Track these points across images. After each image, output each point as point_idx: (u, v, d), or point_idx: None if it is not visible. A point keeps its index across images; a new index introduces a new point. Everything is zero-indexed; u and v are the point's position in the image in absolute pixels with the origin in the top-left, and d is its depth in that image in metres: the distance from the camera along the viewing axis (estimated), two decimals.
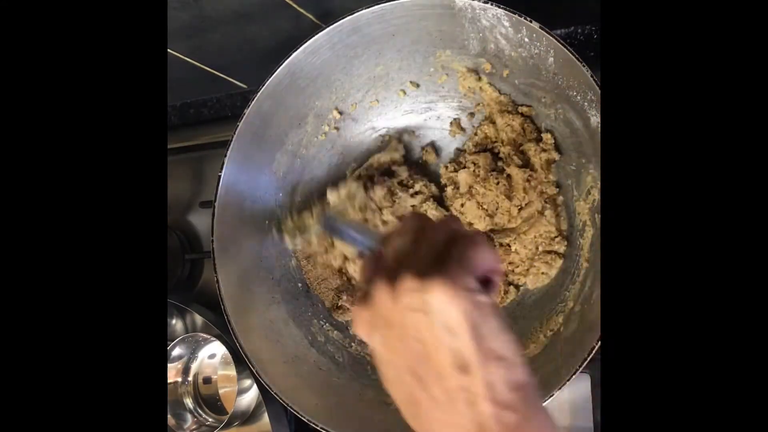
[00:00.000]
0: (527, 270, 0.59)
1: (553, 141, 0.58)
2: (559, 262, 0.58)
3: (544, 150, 0.58)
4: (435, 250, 0.31)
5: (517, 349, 0.29)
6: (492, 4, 0.50)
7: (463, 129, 0.64)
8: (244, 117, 0.57)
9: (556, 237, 0.58)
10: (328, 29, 0.55)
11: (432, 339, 0.29)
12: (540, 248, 0.59)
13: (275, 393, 0.53)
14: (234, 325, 0.55)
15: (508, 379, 0.28)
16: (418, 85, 0.63)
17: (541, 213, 0.59)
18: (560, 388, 0.46)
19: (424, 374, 0.30)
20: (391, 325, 0.31)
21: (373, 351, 0.33)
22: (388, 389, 0.33)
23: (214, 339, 0.65)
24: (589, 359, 0.45)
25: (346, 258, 0.62)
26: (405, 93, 0.64)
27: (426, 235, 0.32)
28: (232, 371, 0.66)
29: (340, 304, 0.65)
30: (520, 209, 0.59)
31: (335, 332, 0.64)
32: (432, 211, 0.61)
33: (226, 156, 0.57)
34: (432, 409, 0.30)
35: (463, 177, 0.60)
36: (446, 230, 0.32)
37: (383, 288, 0.30)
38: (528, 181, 0.58)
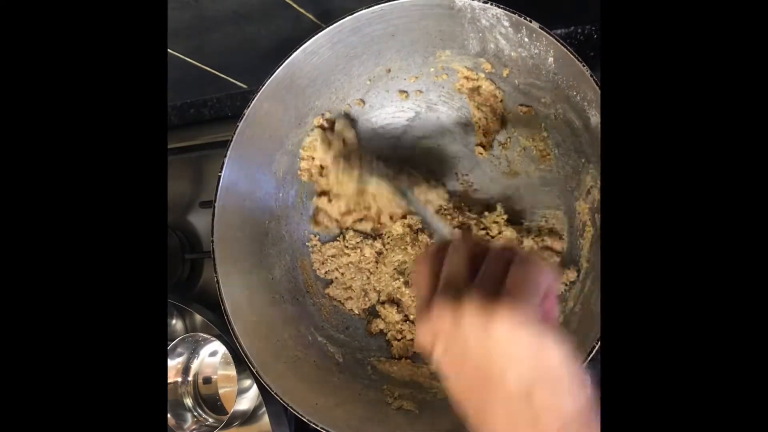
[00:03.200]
0: None
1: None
2: (556, 258, 0.58)
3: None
4: (498, 273, 0.32)
5: (578, 370, 0.30)
6: (492, 4, 0.50)
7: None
8: (244, 117, 0.57)
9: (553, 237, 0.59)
10: (328, 29, 0.55)
11: (495, 362, 0.30)
12: (536, 246, 0.59)
13: (275, 393, 0.53)
14: (234, 325, 0.55)
15: (572, 405, 0.29)
16: (418, 86, 0.63)
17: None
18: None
19: (486, 393, 0.31)
20: (455, 341, 0.31)
21: (433, 364, 0.34)
22: (453, 398, 0.34)
23: (214, 339, 0.65)
24: (589, 359, 0.45)
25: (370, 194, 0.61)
26: (405, 93, 0.64)
27: (489, 256, 0.33)
28: (232, 371, 0.66)
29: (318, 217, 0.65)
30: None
31: (336, 333, 0.64)
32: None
33: (226, 156, 0.57)
34: (495, 427, 0.31)
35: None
36: (507, 252, 0.33)
37: (446, 305, 0.31)
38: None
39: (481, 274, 0.32)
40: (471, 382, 0.32)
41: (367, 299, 0.65)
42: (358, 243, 0.65)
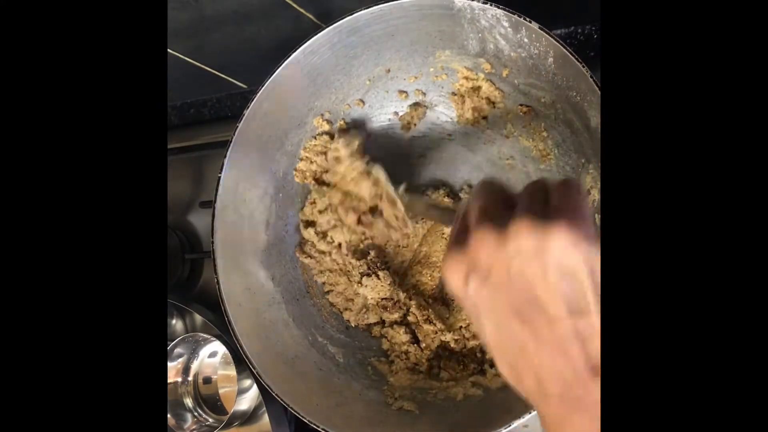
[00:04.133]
0: None
1: None
2: None
3: None
4: (541, 197, 0.31)
5: None
6: (491, 5, 0.50)
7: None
8: (244, 117, 0.57)
9: None
10: (327, 29, 0.55)
11: (544, 284, 0.29)
12: None
13: (275, 393, 0.53)
14: (234, 325, 0.55)
15: None
16: (418, 86, 0.63)
17: None
18: None
19: (532, 318, 0.29)
20: (494, 271, 0.30)
21: (466, 301, 0.32)
22: (484, 340, 0.32)
23: (214, 339, 0.65)
24: None
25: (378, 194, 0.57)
26: (405, 93, 0.64)
27: (524, 188, 0.32)
28: (232, 371, 0.66)
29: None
30: None
31: (336, 333, 0.64)
32: None
33: (226, 156, 0.57)
34: (539, 353, 0.30)
35: None
36: (540, 183, 0.32)
37: (490, 232, 0.30)
38: None
39: (523, 201, 0.31)
40: (512, 307, 0.30)
41: (365, 317, 0.64)
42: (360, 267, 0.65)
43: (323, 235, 0.64)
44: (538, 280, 0.29)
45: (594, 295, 0.28)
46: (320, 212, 0.64)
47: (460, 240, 0.32)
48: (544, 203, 0.30)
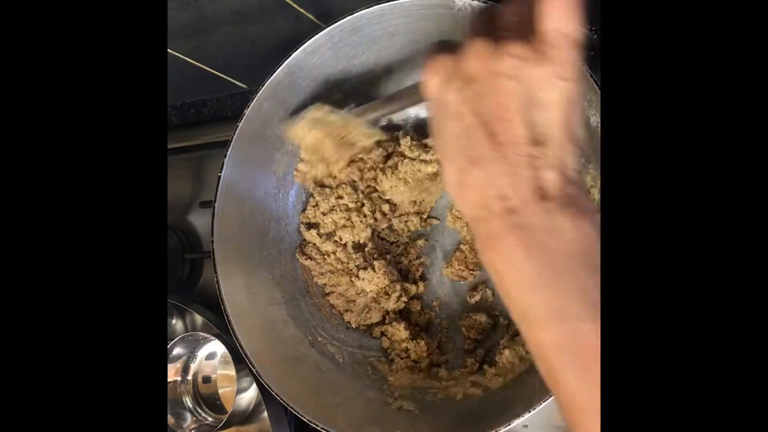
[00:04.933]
0: None
1: None
2: None
3: None
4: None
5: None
6: (491, 5, 0.50)
7: None
8: (244, 117, 0.57)
9: None
10: (328, 29, 0.55)
11: (518, 107, 0.30)
12: None
13: (275, 393, 0.53)
14: (234, 325, 0.55)
15: (577, 163, 0.30)
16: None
17: None
18: None
19: (495, 133, 0.30)
20: (475, 81, 0.31)
21: (438, 102, 0.33)
22: (439, 143, 0.33)
23: (214, 338, 0.65)
24: None
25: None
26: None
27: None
28: (231, 371, 0.66)
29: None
30: None
31: (336, 332, 0.64)
32: None
33: (226, 156, 0.57)
34: (491, 169, 0.30)
35: None
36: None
37: (485, 44, 0.31)
38: None
39: (525, 27, 0.31)
40: (480, 118, 0.31)
41: (368, 316, 0.64)
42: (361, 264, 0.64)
43: (327, 236, 0.64)
44: (513, 103, 0.30)
45: (561, 130, 0.29)
46: (323, 214, 0.64)
47: (448, 49, 0.32)
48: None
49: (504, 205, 0.30)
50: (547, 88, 0.29)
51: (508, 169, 0.30)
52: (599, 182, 0.53)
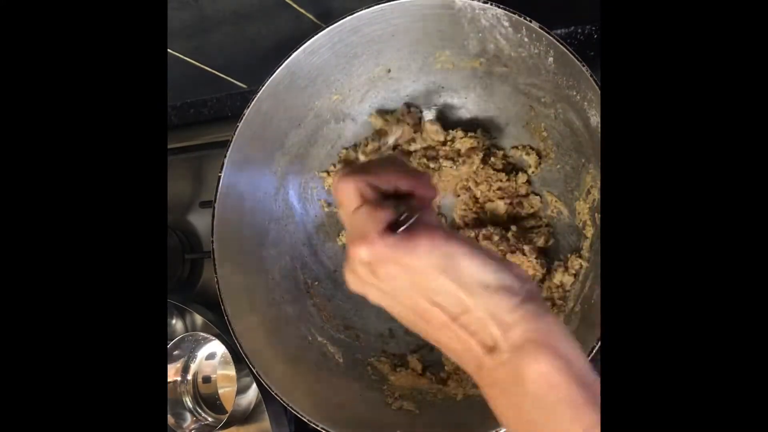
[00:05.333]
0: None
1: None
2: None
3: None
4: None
5: (505, 268, 0.30)
6: (491, 4, 0.50)
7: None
8: (244, 117, 0.57)
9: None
10: (328, 29, 0.55)
11: (423, 301, 0.31)
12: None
13: (275, 393, 0.53)
14: (234, 325, 0.55)
15: (507, 303, 0.30)
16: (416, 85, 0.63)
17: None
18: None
19: (428, 321, 0.32)
20: (378, 278, 0.32)
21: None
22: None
23: (214, 338, 0.65)
24: (589, 359, 0.45)
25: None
26: (404, 93, 0.64)
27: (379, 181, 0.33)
28: (231, 371, 0.66)
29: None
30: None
31: (336, 333, 0.64)
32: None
33: (226, 156, 0.57)
34: (447, 347, 0.32)
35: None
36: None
37: (354, 252, 0.31)
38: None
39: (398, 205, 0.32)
40: (411, 314, 0.32)
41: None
42: None
43: None
44: (417, 297, 0.31)
45: (464, 291, 0.30)
46: None
47: (358, 224, 0.32)
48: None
49: (474, 370, 0.32)
50: (427, 279, 0.30)
51: (457, 346, 0.32)
52: (599, 182, 0.53)
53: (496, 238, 0.59)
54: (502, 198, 0.61)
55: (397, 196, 0.33)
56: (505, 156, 0.62)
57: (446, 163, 0.62)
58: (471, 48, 0.57)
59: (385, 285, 0.32)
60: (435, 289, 0.30)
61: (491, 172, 0.61)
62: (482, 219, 0.62)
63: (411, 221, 0.31)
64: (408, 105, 0.64)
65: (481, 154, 0.61)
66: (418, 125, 0.64)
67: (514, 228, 0.59)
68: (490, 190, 0.61)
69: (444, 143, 0.63)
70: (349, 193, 0.32)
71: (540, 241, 0.59)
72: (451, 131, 0.63)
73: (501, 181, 0.61)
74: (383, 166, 0.33)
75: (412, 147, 0.64)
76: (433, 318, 0.31)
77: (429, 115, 0.65)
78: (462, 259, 0.30)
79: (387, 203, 0.32)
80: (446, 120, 0.64)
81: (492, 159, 0.62)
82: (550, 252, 0.60)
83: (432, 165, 0.63)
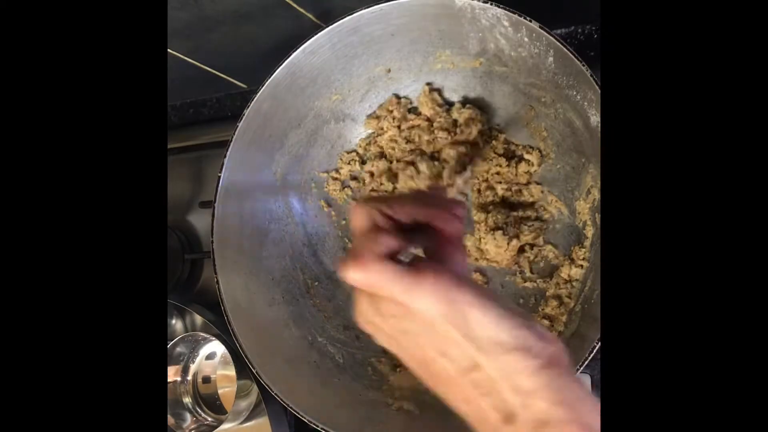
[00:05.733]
0: None
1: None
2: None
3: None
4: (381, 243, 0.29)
5: (523, 326, 0.27)
6: (491, 4, 0.50)
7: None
8: (244, 117, 0.57)
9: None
10: (328, 29, 0.55)
11: (432, 353, 0.29)
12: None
13: (275, 393, 0.53)
14: (234, 325, 0.55)
15: (524, 365, 0.27)
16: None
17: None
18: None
19: (437, 373, 0.30)
20: (382, 317, 0.30)
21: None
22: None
23: (214, 338, 0.65)
24: (589, 359, 0.45)
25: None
26: (404, 93, 0.64)
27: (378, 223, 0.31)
28: (231, 371, 0.66)
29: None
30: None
31: (336, 333, 0.64)
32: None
33: (226, 156, 0.57)
34: (456, 405, 0.30)
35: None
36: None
37: (359, 301, 0.30)
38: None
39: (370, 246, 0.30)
40: (416, 366, 0.31)
41: None
42: None
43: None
44: (423, 344, 0.29)
45: (474, 346, 0.27)
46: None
47: (356, 246, 0.31)
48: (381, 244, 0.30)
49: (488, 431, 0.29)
50: (439, 333, 0.28)
51: (467, 405, 0.29)
52: (599, 182, 0.53)
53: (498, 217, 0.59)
54: (500, 183, 0.61)
55: (419, 229, 0.31)
56: (506, 141, 0.62)
57: (441, 134, 0.61)
58: (471, 48, 0.57)
59: (389, 326, 0.30)
60: (442, 338, 0.28)
61: (492, 154, 0.61)
62: (483, 203, 0.62)
63: (413, 253, 0.28)
64: (398, 96, 0.64)
65: (479, 126, 0.60)
66: (406, 118, 0.64)
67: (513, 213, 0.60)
68: (490, 172, 0.61)
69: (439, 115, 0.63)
70: (360, 217, 0.30)
71: (529, 237, 0.59)
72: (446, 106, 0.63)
73: (501, 166, 0.61)
74: (402, 196, 0.32)
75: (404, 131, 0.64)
76: (440, 370, 0.29)
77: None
78: (472, 310, 0.27)
79: (398, 233, 0.30)
80: None
81: (493, 142, 0.62)
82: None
83: (427, 137, 0.62)
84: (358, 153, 0.66)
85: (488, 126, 0.62)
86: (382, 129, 0.64)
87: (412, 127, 0.63)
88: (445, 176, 0.55)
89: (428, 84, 0.63)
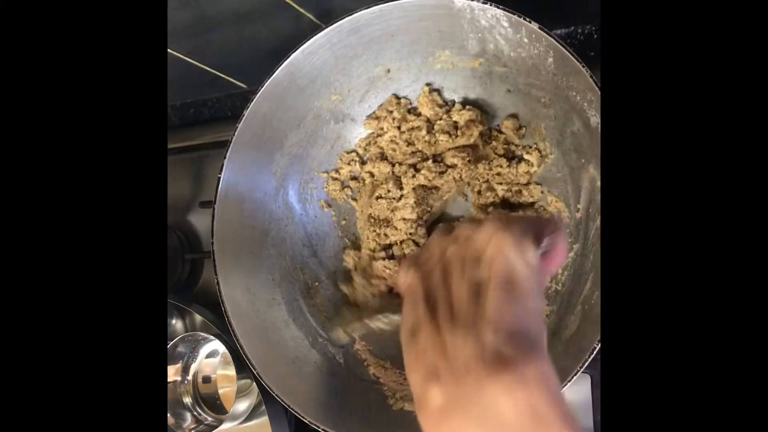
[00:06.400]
0: None
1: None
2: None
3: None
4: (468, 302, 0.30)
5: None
6: (491, 5, 0.50)
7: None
8: (244, 117, 0.57)
9: None
10: (327, 29, 0.55)
11: (461, 268, 0.30)
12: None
13: (275, 393, 0.53)
14: (234, 325, 0.55)
15: (511, 328, 0.28)
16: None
17: None
18: (561, 389, 0.46)
19: (437, 299, 0.30)
20: (428, 263, 0.32)
21: (402, 290, 0.34)
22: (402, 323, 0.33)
23: (214, 338, 0.65)
24: (589, 360, 0.45)
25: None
26: (404, 93, 0.64)
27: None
28: (231, 371, 0.66)
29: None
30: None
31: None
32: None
33: (225, 156, 0.57)
34: (429, 333, 0.30)
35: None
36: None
37: (439, 233, 0.33)
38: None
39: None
40: (425, 294, 0.31)
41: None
42: None
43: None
44: (456, 264, 0.31)
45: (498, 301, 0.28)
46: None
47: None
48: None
49: (439, 383, 0.28)
50: (491, 250, 0.30)
51: (441, 343, 0.29)
52: (599, 182, 0.53)
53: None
54: (500, 184, 0.61)
55: None
56: (506, 141, 0.62)
57: (442, 137, 0.62)
58: (471, 48, 0.57)
59: (430, 264, 0.32)
60: (479, 264, 0.30)
61: (492, 155, 0.61)
62: (483, 204, 0.62)
63: None
64: (397, 96, 0.64)
65: (480, 127, 0.60)
66: (406, 119, 0.64)
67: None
68: (491, 173, 0.61)
69: (440, 117, 0.63)
70: None
71: None
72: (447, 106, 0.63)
73: (501, 167, 0.61)
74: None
75: (403, 128, 0.64)
76: (447, 297, 0.30)
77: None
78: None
79: None
80: None
81: (494, 143, 0.62)
82: None
83: (427, 138, 0.63)
84: (357, 153, 0.66)
85: (488, 127, 0.62)
86: (382, 129, 0.64)
87: (412, 128, 0.63)
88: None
89: (428, 84, 0.63)
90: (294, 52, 0.56)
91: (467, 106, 0.62)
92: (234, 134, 0.57)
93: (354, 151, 0.67)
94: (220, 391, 0.70)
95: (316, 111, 0.63)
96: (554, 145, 0.59)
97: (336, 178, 0.67)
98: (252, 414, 0.67)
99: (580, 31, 0.67)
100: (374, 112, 0.65)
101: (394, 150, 0.64)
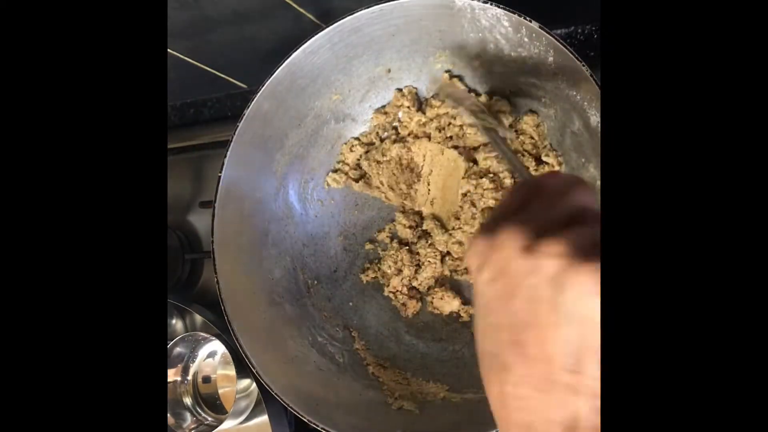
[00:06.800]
0: None
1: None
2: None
3: None
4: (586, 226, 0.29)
5: None
6: (491, 4, 0.50)
7: None
8: (244, 117, 0.57)
9: None
10: (328, 29, 0.55)
11: (551, 319, 0.27)
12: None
13: (275, 393, 0.53)
14: (234, 325, 0.55)
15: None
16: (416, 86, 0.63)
17: None
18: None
19: (525, 346, 0.27)
20: (507, 274, 0.28)
21: (474, 285, 0.31)
22: (476, 336, 0.30)
23: (214, 338, 0.65)
24: None
25: None
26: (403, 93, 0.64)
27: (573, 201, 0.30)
28: (231, 371, 0.66)
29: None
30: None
31: (335, 333, 0.64)
32: None
33: (226, 156, 0.57)
34: (523, 385, 0.28)
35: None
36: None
37: (519, 236, 0.28)
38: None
39: (575, 220, 0.29)
40: (509, 323, 0.28)
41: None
42: None
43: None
44: (545, 313, 0.27)
45: (597, 353, 0.26)
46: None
47: (492, 226, 0.30)
48: (589, 231, 0.28)
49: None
50: (588, 304, 0.26)
51: (540, 397, 0.27)
52: (599, 182, 0.53)
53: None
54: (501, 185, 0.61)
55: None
56: (531, 137, 0.61)
57: (470, 130, 0.61)
58: (471, 48, 0.57)
59: (509, 284, 0.29)
60: (576, 323, 0.28)
61: (521, 150, 0.61)
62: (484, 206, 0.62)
63: None
64: (399, 89, 0.64)
65: (510, 118, 0.60)
66: (414, 105, 0.64)
67: None
68: (490, 174, 0.61)
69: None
70: None
71: None
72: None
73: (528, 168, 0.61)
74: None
75: (414, 121, 0.64)
76: (539, 344, 0.28)
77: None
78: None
79: None
80: None
81: (521, 137, 0.61)
82: None
83: (458, 132, 0.62)
84: (360, 140, 0.66)
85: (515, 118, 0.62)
86: (400, 121, 0.64)
87: (438, 115, 0.63)
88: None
89: (447, 71, 0.62)
90: (295, 51, 0.56)
91: (495, 97, 0.61)
92: (234, 133, 0.57)
93: (358, 138, 0.66)
94: (220, 391, 0.70)
95: (316, 110, 0.63)
96: (554, 145, 0.59)
97: (338, 170, 0.66)
98: (252, 414, 0.67)
99: (580, 31, 0.67)
100: (383, 107, 0.65)
101: (431, 131, 0.64)
